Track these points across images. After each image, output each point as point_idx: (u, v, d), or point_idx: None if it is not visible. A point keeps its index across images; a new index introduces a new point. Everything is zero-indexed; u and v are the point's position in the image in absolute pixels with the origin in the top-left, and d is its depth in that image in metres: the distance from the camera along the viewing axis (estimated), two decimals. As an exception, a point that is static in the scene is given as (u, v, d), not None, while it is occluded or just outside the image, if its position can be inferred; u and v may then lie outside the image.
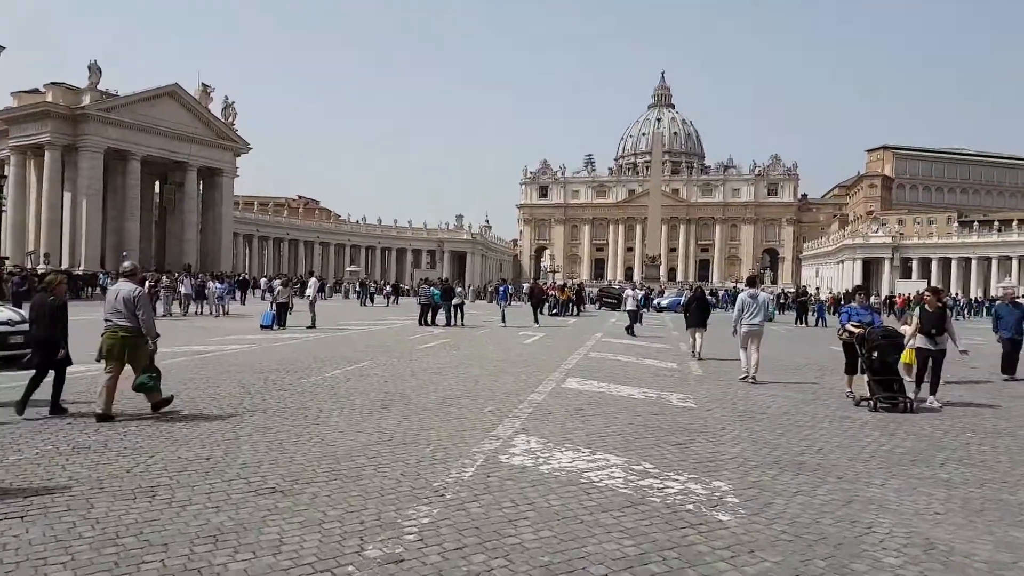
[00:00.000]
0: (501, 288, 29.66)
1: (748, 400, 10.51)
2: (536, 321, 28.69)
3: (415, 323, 26.13)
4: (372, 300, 48.59)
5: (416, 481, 5.83)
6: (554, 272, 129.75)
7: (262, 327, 21.76)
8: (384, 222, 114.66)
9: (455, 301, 26.24)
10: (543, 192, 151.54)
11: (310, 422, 8.15)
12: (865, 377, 10.16)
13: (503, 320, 26.85)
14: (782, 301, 49.11)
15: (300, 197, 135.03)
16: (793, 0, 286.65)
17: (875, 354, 9.98)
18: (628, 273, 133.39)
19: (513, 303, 40.56)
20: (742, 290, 13.94)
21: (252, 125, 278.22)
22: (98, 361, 8.37)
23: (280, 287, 23.29)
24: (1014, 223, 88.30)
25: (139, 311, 8.19)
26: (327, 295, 59.82)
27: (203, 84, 72.99)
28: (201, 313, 29.18)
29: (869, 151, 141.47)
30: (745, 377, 12.48)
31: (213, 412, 8.60)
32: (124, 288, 8.32)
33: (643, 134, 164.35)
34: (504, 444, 7.23)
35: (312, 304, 23.10)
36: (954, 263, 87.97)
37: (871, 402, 9.85)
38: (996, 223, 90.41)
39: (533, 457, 6.72)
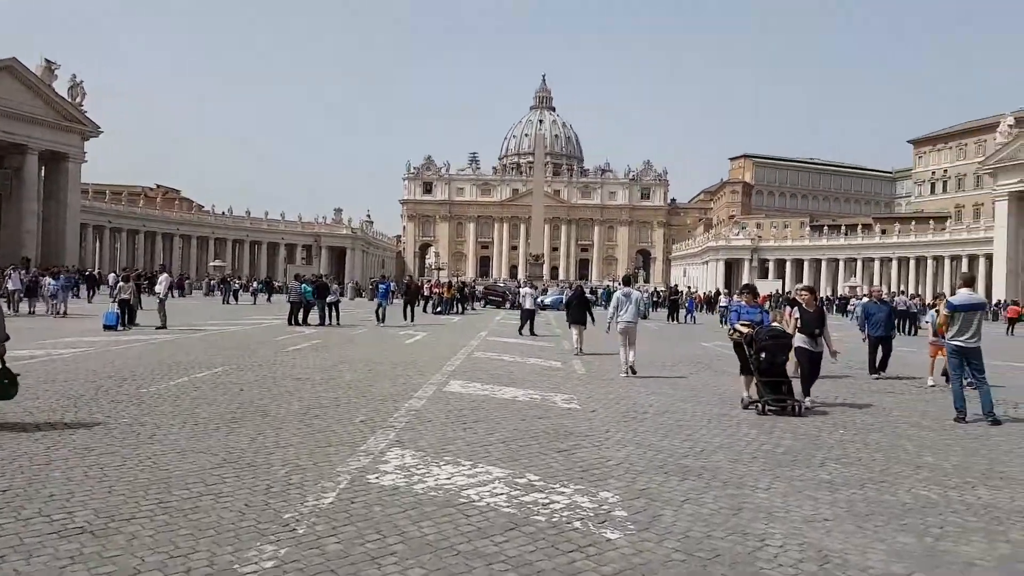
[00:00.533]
0: (381, 285, 28.61)
1: (630, 399, 10.35)
2: (410, 319, 27.95)
3: (285, 323, 24.46)
4: (236, 298, 45.48)
5: (263, 513, 4.95)
6: (438, 269, 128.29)
7: (105, 327, 19.52)
8: (254, 214, 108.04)
9: (330, 299, 24.85)
10: (427, 188, 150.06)
11: (142, 441, 6.98)
12: (753, 379, 9.88)
13: (380, 319, 25.89)
14: (656, 299, 51.16)
15: (159, 186, 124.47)
16: (666, 10, 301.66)
17: (763, 355, 9.60)
18: (513, 271, 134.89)
19: (396, 301, 39.64)
20: (616, 289, 14.24)
21: (108, 108, 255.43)
22: None
23: (121, 283, 20.84)
24: (859, 228, 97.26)
25: None
26: (186, 292, 55.49)
27: (46, 60, 65.59)
28: (33, 312, 25.86)
29: (732, 159, 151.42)
30: (625, 374, 13.00)
31: (25, 431, 7.19)
32: None
33: (526, 135, 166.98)
34: (374, 460, 6.47)
35: (162, 303, 20.87)
36: (806, 264, 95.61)
37: (759, 405, 9.54)
38: (843, 227, 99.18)
39: (407, 475, 6.02)
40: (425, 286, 40.52)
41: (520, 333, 22.61)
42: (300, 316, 24.52)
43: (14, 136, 60.88)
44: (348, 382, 11.34)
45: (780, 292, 78.79)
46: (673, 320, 36.70)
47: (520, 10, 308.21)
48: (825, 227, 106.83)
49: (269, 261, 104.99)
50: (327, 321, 24.57)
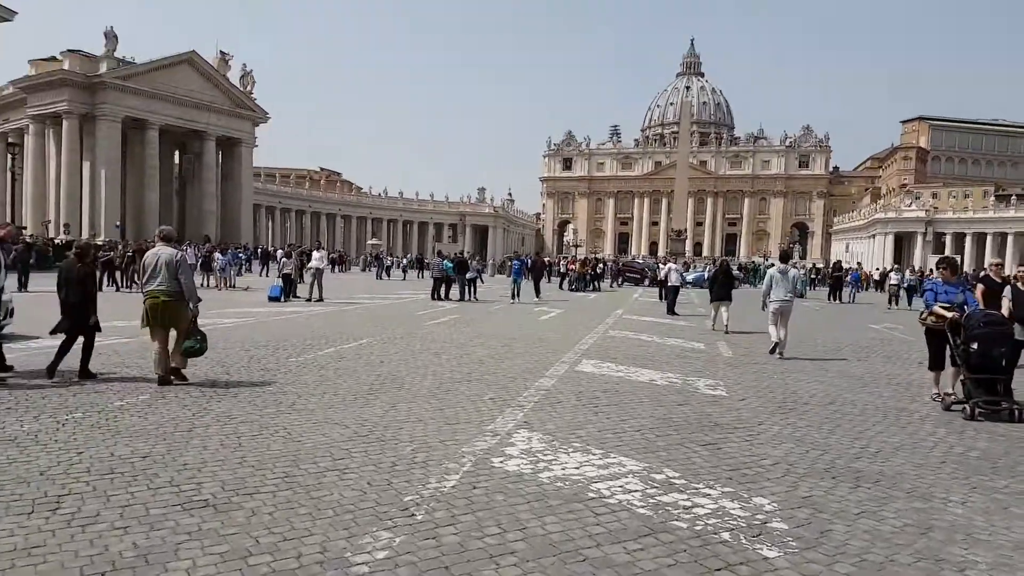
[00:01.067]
0: (514, 263, 27.82)
1: (786, 387, 9.26)
2: (537, 296, 27.76)
3: (428, 297, 25.13)
4: (388, 273, 47.63)
5: (384, 493, 4.73)
6: (576, 246, 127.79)
7: (270, 299, 21.00)
8: (406, 195, 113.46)
9: (469, 275, 25.14)
10: (567, 164, 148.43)
11: (282, 410, 7.10)
12: (959, 375, 8.11)
13: (515, 296, 25.65)
14: (814, 276, 46.76)
15: (322, 169, 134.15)
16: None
17: (974, 345, 7.77)
18: (652, 248, 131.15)
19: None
20: (768, 264, 12.95)
21: (274, 94, 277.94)
22: (143, 327, 8.27)
23: (284, 258, 22.33)
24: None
25: (181, 275, 8.18)
26: (346, 267, 59.17)
27: (221, 52, 72.11)
28: (206, 286, 28.47)
29: (904, 122, 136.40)
30: (774, 349, 12.48)
31: (176, 396, 7.59)
32: (164, 252, 8.24)
33: (671, 103, 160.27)
34: (500, 442, 6.11)
35: (317, 277, 22.09)
36: (989, 239, 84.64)
37: (967, 407, 7.75)
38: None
39: (533, 461, 5.59)
40: (561, 262, 40.03)
41: (669, 312, 21.43)
42: (442, 291, 25.09)
43: (195, 123, 67.65)
44: (480, 358, 11.15)
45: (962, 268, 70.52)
46: (835, 300, 33.45)
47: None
48: (1013, 196, 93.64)
49: (419, 239, 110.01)
50: (467, 296, 24.91)
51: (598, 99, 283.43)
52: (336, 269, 55.32)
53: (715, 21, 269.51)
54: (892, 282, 33.06)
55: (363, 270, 60.88)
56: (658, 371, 10.21)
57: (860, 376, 10.39)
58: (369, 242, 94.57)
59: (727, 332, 15.84)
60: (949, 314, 8.17)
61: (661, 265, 24.07)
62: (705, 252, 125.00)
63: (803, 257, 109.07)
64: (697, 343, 14.07)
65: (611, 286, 40.08)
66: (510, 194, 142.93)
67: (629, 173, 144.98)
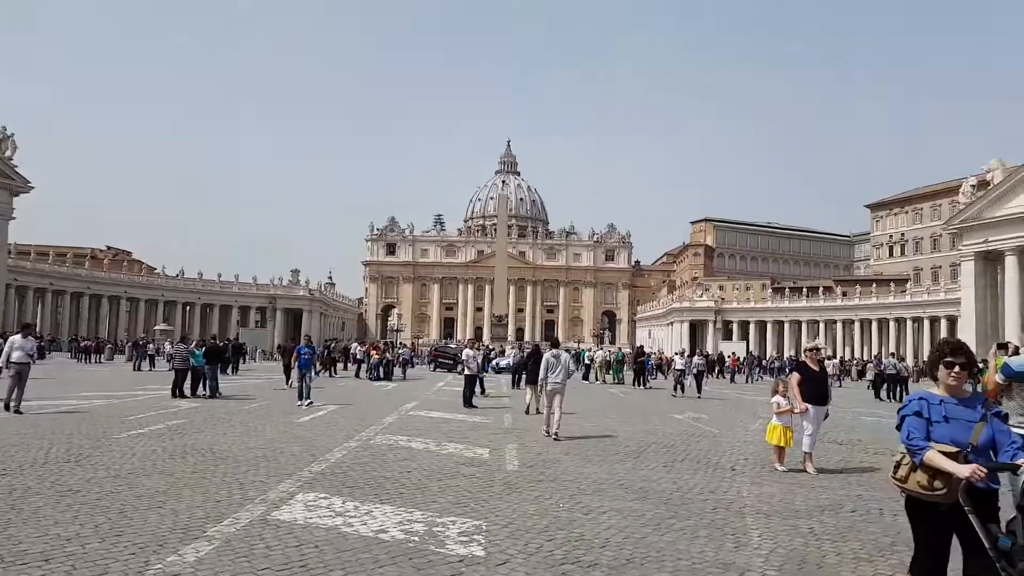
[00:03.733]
0: (302, 350, 20.07)
1: (571, 527, 6.76)
2: (290, 386, 24.16)
3: (169, 394, 20.29)
4: (153, 363, 40.36)
5: None
6: (398, 331, 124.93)
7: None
8: (206, 276, 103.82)
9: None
10: (391, 249, 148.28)
11: None
12: None
13: (301, 396, 19.09)
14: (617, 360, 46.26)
15: (109, 248, 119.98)
16: (629, 77, 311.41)
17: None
18: (478, 332, 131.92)
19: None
20: (574, 351, 11.34)
21: (54, 167, 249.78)
22: None
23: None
24: (820, 290, 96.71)
25: None
26: (99, 357, 50.24)
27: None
28: None
29: (693, 222, 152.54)
30: (547, 434, 13.11)
31: None
32: None
33: (491, 197, 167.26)
34: None
35: (18, 372, 16.21)
36: (769, 326, 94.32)
37: None
38: (805, 290, 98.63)
39: None
40: (358, 349, 36.47)
41: (464, 404, 18.97)
42: (188, 386, 20.48)
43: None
44: (138, 496, 7.55)
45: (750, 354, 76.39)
46: (639, 385, 33.36)
47: (484, 76, 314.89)
48: (787, 289, 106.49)
49: (222, 324, 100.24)
50: (217, 391, 20.71)
51: (419, 189, 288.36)
52: (90, 359, 47.17)
53: (527, 123, 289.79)
54: (677, 367, 29.30)
55: (128, 359, 52.11)
56: (400, 509, 7.16)
57: (668, 497, 8.36)
58: (157, 327, 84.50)
59: (538, 412, 16.32)
60: (962, 470, 3.66)
61: (465, 351, 20.87)
62: (527, 336, 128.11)
63: (612, 342, 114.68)
64: (482, 449, 11.57)
65: (433, 370, 37.02)
66: (330, 277, 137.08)
67: (453, 260, 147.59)
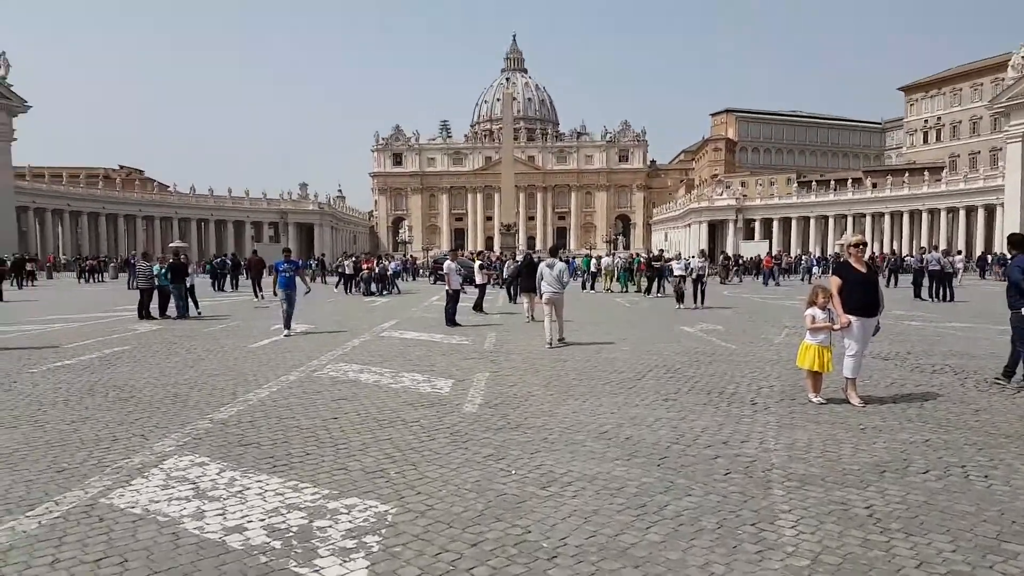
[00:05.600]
0: (279, 265, 15.85)
1: (516, 515, 4.87)
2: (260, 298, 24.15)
3: (136, 315, 18.66)
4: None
5: None
6: (408, 243, 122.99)
7: None
8: (217, 192, 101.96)
9: (190, 282, 19.17)
10: (397, 160, 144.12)
11: None
12: None
13: (288, 326, 15.40)
14: (629, 266, 42.16)
15: (121, 167, 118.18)
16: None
17: None
18: (489, 242, 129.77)
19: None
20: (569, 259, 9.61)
21: (66, 86, 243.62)
22: None
23: None
24: (848, 182, 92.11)
25: None
26: (98, 275, 48.83)
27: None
28: None
29: (713, 115, 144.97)
30: (549, 344, 13.13)
31: None
32: None
33: (498, 99, 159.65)
34: None
35: None
36: (794, 223, 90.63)
37: None
38: (832, 183, 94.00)
39: None
40: (346, 262, 34.22)
41: (449, 323, 16.98)
42: (156, 306, 18.79)
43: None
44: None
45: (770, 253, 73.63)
46: (659, 294, 29.77)
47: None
48: (813, 183, 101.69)
49: (236, 240, 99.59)
50: (189, 311, 18.94)
51: (425, 94, 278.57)
52: (92, 279, 45.79)
53: (534, 15, 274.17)
54: (675, 272, 24.27)
55: (114, 277, 50.70)
56: (287, 484, 5.10)
57: (663, 454, 6.26)
58: (170, 245, 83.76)
59: (532, 320, 17.54)
60: None
61: (446, 264, 18.51)
62: (539, 245, 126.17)
63: (627, 247, 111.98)
64: (444, 381, 9.44)
65: (433, 283, 34.86)
66: (340, 190, 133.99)
67: (461, 168, 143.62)
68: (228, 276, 35.90)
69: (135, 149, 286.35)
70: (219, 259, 40.11)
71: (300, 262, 20.92)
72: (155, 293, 19.06)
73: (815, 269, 46.57)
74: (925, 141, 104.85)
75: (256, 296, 27.69)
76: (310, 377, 9.78)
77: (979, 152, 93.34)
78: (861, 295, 8.09)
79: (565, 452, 5.95)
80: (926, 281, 25.34)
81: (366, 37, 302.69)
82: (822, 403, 7.97)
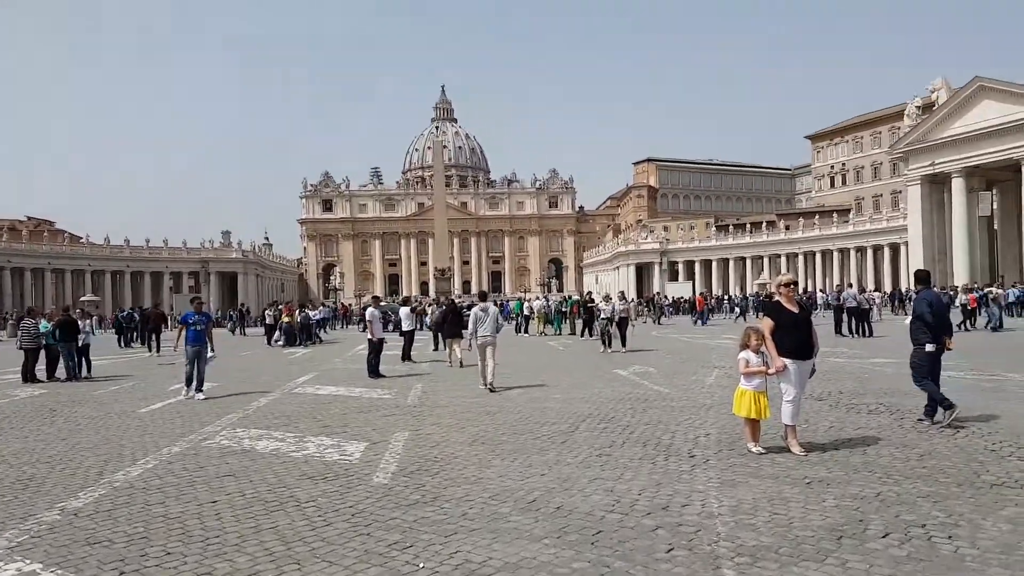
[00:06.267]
0: (188, 317, 13.86)
1: None
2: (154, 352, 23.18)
3: (20, 379, 16.77)
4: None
5: None
6: (338, 290, 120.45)
7: None
8: (134, 243, 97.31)
9: (81, 341, 17.40)
10: (327, 206, 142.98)
11: None
12: None
13: (189, 383, 13.51)
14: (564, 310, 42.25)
15: (30, 218, 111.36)
16: (561, 17, 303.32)
17: None
18: (424, 287, 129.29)
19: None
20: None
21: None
22: None
23: None
24: (763, 225, 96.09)
25: None
26: None
27: None
28: None
29: (635, 163, 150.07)
30: (485, 387, 13.32)
31: None
32: None
33: (428, 147, 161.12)
34: None
35: None
36: (715, 264, 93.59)
37: None
38: (748, 226, 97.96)
39: None
40: (268, 312, 32.47)
41: (372, 374, 15.95)
42: (46, 367, 16.97)
43: None
44: None
45: (697, 293, 75.17)
46: (592, 336, 29.40)
47: (419, 15, 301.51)
48: (730, 226, 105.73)
49: (154, 292, 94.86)
50: (77, 373, 17.15)
51: (354, 142, 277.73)
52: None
53: (463, 67, 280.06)
54: (603, 314, 23.03)
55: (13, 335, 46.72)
56: None
57: (598, 527, 5.56)
58: (83, 298, 78.82)
59: (462, 366, 17.53)
60: None
61: (370, 310, 17.47)
62: (473, 289, 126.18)
63: (560, 290, 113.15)
64: (356, 444, 8.45)
65: (362, 331, 33.24)
66: (267, 238, 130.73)
67: (393, 215, 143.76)
68: (136, 331, 33.55)
69: (45, 199, 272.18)
70: (125, 312, 37.50)
71: (212, 315, 18.60)
72: (42, 353, 17.26)
73: (749, 307, 45.79)
74: (832, 185, 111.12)
75: (152, 351, 26.43)
76: (197, 448, 8.57)
77: (881, 195, 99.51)
78: (795, 337, 7.70)
79: (486, 532, 5.12)
80: (845, 317, 26.00)
81: (295, 84, 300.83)
82: (762, 452, 7.46)
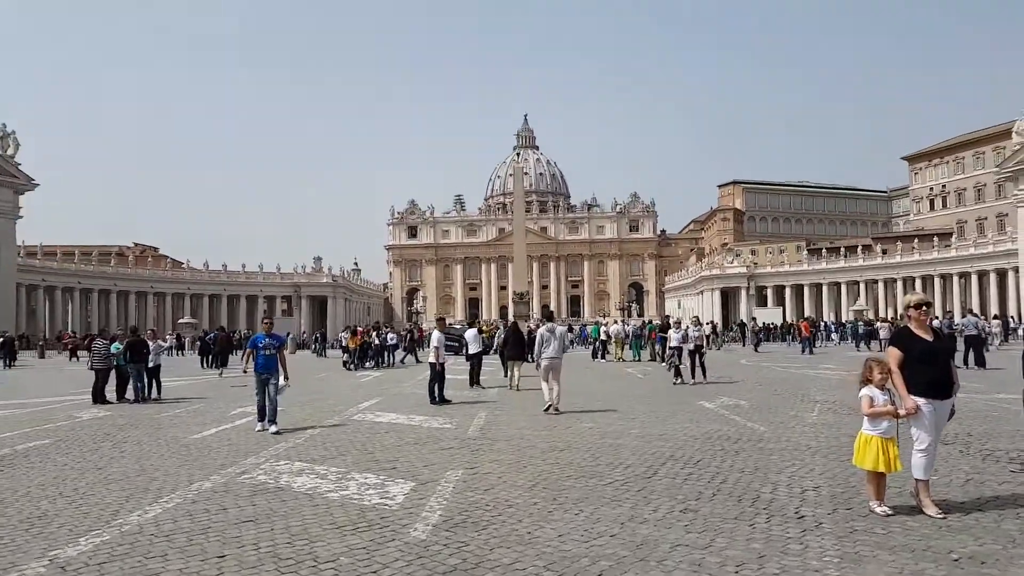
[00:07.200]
0: (258, 340, 12.43)
1: None
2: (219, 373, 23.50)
3: (91, 400, 16.91)
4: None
5: None
6: (420, 313, 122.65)
7: None
8: (231, 268, 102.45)
9: (152, 362, 17.41)
10: (412, 232, 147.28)
11: None
12: None
13: (263, 417, 12.04)
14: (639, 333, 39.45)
15: (136, 244, 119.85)
16: (645, 40, 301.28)
17: None
18: (503, 311, 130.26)
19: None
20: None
21: (78, 165, 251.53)
22: None
23: None
24: (858, 248, 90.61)
25: None
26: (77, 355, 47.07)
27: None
28: None
29: (720, 186, 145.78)
30: (548, 408, 13.01)
31: None
32: None
33: (510, 174, 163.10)
34: None
35: None
36: (806, 289, 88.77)
37: None
38: (842, 249, 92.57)
39: None
40: (343, 335, 32.48)
41: (437, 401, 15.16)
42: (116, 388, 17.11)
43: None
44: None
45: (787, 319, 71.08)
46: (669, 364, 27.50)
47: (500, 48, 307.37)
48: (823, 250, 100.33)
49: (248, 314, 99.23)
50: (146, 394, 17.16)
51: (439, 171, 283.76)
52: (76, 356, 44.02)
53: (544, 95, 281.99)
54: (672, 343, 20.39)
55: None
56: None
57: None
58: (180, 320, 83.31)
59: (518, 389, 17.56)
60: None
61: (436, 334, 16.52)
62: (555, 312, 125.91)
63: (640, 315, 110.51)
64: (401, 485, 7.49)
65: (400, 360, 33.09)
66: (356, 264, 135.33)
67: (475, 240, 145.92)
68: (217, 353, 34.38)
69: (152, 227, 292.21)
70: (211, 335, 38.55)
71: (287, 336, 17.07)
72: (113, 374, 17.45)
73: (881, 334, 37.56)
74: (932, 208, 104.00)
75: (220, 373, 26.96)
76: (230, 484, 7.82)
77: (986, 218, 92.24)
78: (930, 371, 6.20)
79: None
80: (962, 347, 23.25)
81: (382, 117, 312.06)
82: (889, 514, 5.99)
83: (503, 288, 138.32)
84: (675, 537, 5.53)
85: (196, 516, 6.47)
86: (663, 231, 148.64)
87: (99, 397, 16.70)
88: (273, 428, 11.67)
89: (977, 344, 22.18)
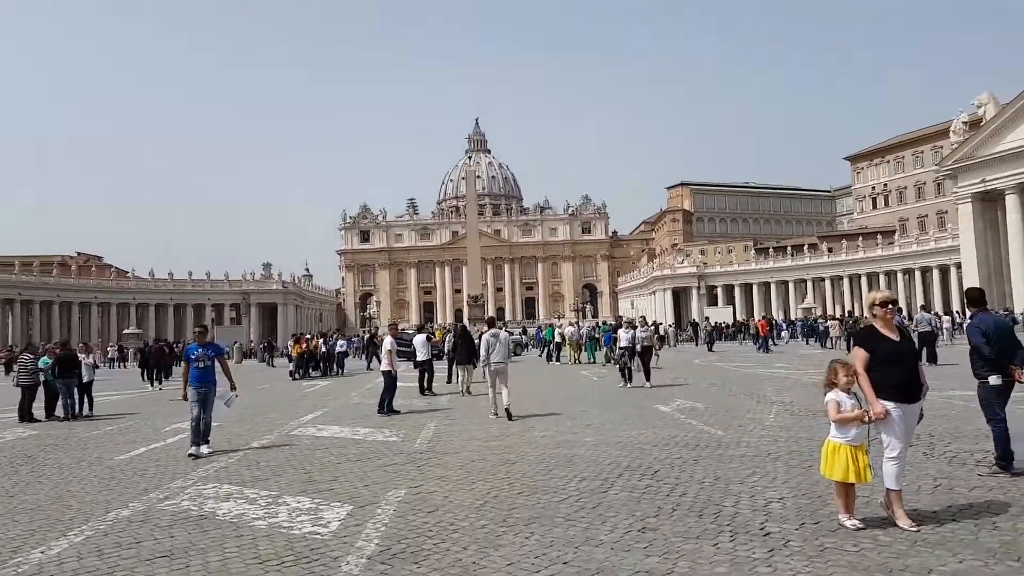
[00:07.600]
0: (191, 352, 11.32)
1: None
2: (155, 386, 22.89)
3: (17, 418, 15.68)
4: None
5: None
6: (373, 319, 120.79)
7: None
8: (177, 276, 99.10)
9: (87, 377, 16.25)
10: (365, 237, 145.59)
11: None
12: None
13: (197, 437, 10.81)
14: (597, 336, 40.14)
15: (79, 254, 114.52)
16: (594, 44, 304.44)
17: None
18: (458, 315, 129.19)
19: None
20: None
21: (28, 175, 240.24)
22: None
23: None
24: (805, 247, 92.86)
25: None
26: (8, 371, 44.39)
27: None
28: None
29: (669, 188, 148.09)
30: (495, 413, 13.20)
31: None
32: None
33: (462, 178, 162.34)
34: None
35: None
36: (755, 288, 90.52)
37: None
38: (789, 248, 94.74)
39: None
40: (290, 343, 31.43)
41: (385, 412, 14.50)
42: (45, 405, 15.87)
43: None
44: None
45: (738, 318, 72.60)
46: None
47: (451, 52, 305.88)
48: (770, 249, 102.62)
49: (196, 324, 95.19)
50: (78, 411, 15.97)
51: (391, 175, 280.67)
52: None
53: (495, 99, 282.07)
54: (621, 343, 19.90)
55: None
56: None
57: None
58: (125, 331, 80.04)
59: (469, 393, 17.50)
60: None
61: (388, 339, 15.74)
62: (507, 316, 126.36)
63: (595, 315, 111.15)
64: (336, 509, 6.87)
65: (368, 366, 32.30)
66: (307, 269, 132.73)
67: (428, 243, 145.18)
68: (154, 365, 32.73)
69: (94, 236, 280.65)
70: (149, 347, 36.72)
71: (223, 347, 16.13)
72: (42, 390, 16.20)
73: (832, 332, 38.20)
74: (874, 206, 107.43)
75: (154, 387, 26.49)
76: (149, 511, 7.04)
77: (927, 215, 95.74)
78: (898, 372, 5.88)
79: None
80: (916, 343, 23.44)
81: (331, 119, 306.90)
82: (859, 528, 5.64)
83: (458, 291, 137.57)
84: (633, 562, 5.05)
85: (106, 552, 5.73)
86: (615, 232, 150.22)
87: (26, 415, 15.49)
88: (206, 450, 10.64)
89: (930, 340, 22.49)
